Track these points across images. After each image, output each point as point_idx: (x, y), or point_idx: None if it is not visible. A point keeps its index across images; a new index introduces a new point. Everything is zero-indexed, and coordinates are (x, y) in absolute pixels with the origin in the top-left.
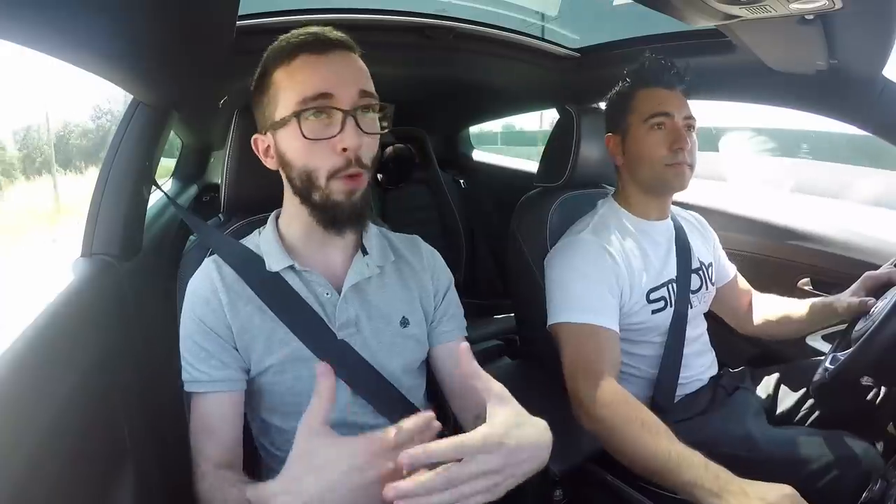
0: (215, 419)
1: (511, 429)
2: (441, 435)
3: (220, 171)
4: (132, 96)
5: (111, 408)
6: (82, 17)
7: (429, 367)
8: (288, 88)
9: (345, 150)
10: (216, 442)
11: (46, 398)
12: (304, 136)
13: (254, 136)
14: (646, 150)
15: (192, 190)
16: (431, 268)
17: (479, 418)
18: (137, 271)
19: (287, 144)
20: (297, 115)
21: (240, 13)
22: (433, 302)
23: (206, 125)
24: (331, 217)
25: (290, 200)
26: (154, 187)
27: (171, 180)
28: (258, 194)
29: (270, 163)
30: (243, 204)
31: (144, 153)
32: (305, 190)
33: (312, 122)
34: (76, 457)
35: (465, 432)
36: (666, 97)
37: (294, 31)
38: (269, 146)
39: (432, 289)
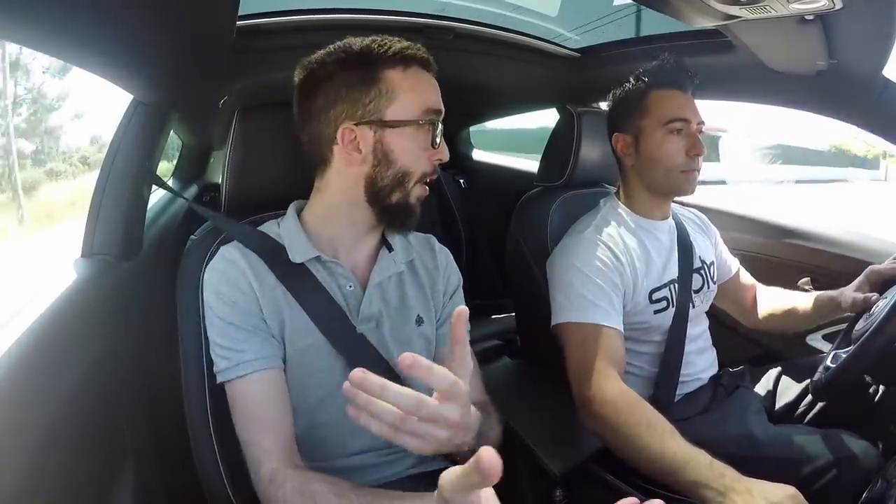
0: (268, 402)
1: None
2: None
3: (220, 171)
4: (132, 96)
5: (111, 408)
6: (82, 16)
7: None
8: (410, 91)
9: (439, 160)
10: (274, 432)
11: (47, 398)
12: (430, 141)
13: (344, 126)
14: (663, 155)
15: (192, 190)
16: (444, 268)
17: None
18: (137, 271)
19: (398, 143)
20: (421, 122)
21: (240, 13)
22: (441, 301)
23: (206, 125)
24: (401, 218)
25: (340, 197)
26: (156, 186)
27: (171, 180)
28: (259, 194)
29: (354, 157)
30: (244, 204)
31: (144, 153)
32: (388, 189)
33: (427, 133)
34: (76, 457)
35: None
36: (684, 101)
37: (387, 38)
38: (356, 138)
39: (442, 288)
